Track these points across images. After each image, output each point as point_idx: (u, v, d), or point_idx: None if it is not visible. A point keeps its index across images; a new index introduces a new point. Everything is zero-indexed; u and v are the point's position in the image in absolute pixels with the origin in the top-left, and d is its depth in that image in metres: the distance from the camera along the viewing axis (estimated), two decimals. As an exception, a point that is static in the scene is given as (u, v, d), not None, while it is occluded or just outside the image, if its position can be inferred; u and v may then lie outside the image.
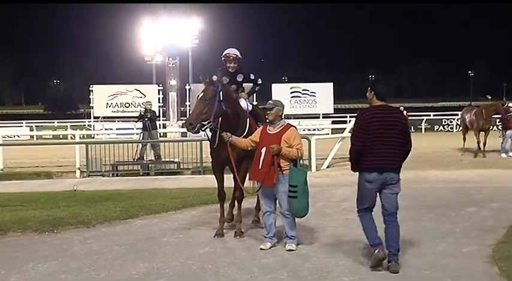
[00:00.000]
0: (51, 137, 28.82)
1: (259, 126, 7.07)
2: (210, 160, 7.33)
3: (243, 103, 7.11)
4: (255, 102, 9.71)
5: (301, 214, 6.19)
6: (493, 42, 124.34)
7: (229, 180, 7.10)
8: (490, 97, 20.65)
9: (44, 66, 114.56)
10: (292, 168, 6.06)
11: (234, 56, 7.26)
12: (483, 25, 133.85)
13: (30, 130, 33.51)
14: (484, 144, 15.93)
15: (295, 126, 6.39)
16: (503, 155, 15.85)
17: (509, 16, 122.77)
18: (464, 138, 17.07)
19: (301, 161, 6.19)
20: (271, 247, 6.29)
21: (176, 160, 14.46)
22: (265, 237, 6.38)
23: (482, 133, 16.08)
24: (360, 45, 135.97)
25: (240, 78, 7.34)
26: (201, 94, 6.61)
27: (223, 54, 7.33)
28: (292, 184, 6.01)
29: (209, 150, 7.22)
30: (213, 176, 7.21)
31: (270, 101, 6.43)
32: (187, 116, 6.66)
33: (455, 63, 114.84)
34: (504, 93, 76.64)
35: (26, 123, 37.06)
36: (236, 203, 7.13)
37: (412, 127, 33.63)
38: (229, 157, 6.65)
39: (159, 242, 6.73)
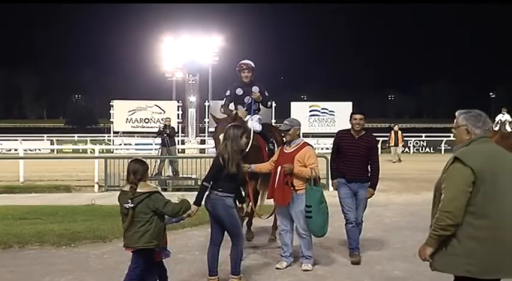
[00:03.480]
0: (71, 151, 29.10)
1: (269, 147, 7.02)
2: None
3: (250, 123, 6.91)
4: (273, 120, 9.69)
5: (319, 234, 6.12)
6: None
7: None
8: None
9: (66, 82, 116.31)
10: (307, 187, 6.02)
11: (248, 65, 7.25)
12: (504, 48, 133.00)
13: (51, 144, 33.88)
14: None
15: (311, 145, 6.34)
16: None
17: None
18: None
19: (318, 181, 6.12)
20: (287, 267, 6.25)
21: (194, 176, 14.49)
22: (282, 256, 6.35)
23: None
24: (380, 65, 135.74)
25: (255, 90, 7.24)
26: (222, 136, 6.18)
27: (237, 65, 7.35)
28: (307, 204, 5.97)
29: None
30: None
31: (285, 122, 6.32)
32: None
33: (476, 85, 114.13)
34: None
35: (47, 137, 37.49)
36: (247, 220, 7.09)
37: (432, 148, 33.45)
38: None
39: (175, 258, 6.69)
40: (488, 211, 3.34)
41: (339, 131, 6.94)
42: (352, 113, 6.64)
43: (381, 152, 31.11)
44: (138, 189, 4.75)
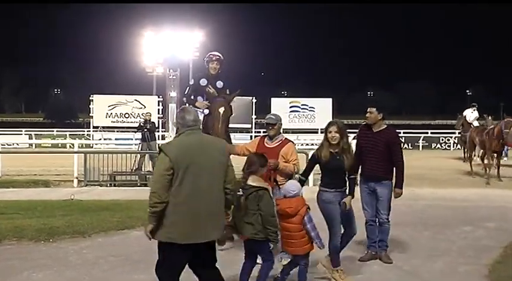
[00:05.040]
0: (50, 145, 28.76)
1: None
2: None
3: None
4: (254, 116, 9.70)
5: None
6: (490, 64, 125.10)
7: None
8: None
9: (45, 76, 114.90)
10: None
11: (218, 56, 7.26)
12: (482, 47, 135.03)
13: (29, 138, 33.46)
14: (498, 167, 14.96)
15: (292, 142, 6.37)
16: None
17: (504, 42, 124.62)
18: (471, 160, 16.44)
19: (297, 176, 6.16)
20: (266, 261, 6.27)
21: (174, 171, 14.45)
22: (261, 251, 6.37)
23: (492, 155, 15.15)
24: (361, 62, 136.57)
25: (219, 85, 7.22)
26: (222, 109, 6.44)
27: (207, 55, 7.36)
28: None
29: None
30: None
31: (271, 116, 6.33)
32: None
33: (456, 84, 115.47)
34: (501, 113, 76.70)
35: (25, 131, 37.02)
36: None
37: (410, 144, 33.75)
38: None
39: (155, 253, 6.69)
40: (183, 190, 4.12)
41: (361, 125, 6.76)
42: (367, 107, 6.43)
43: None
44: (249, 181, 4.92)
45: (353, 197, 5.64)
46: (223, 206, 4.39)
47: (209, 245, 4.36)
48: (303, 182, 5.70)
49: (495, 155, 15.18)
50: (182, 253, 4.22)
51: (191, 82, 7.44)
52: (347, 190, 5.65)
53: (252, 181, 4.93)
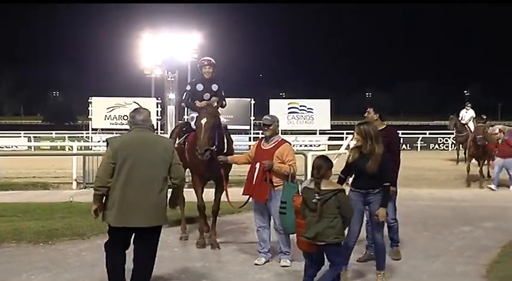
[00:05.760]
0: (48, 148, 28.76)
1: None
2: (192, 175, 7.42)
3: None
4: (252, 117, 9.76)
5: (291, 230, 6.02)
6: (489, 64, 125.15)
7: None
8: (485, 117, 20.22)
9: (43, 78, 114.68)
10: (284, 184, 6.05)
11: (210, 61, 7.53)
12: (482, 47, 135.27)
13: (28, 141, 33.44)
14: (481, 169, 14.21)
15: (289, 142, 6.41)
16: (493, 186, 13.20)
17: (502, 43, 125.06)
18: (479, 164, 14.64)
19: (295, 178, 6.17)
20: (265, 262, 6.30)
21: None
22: (260, 252, 6.39)
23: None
24: (360, 62, 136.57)
25: (214, 88, 7.48)
26: (204, 120, 6.63)
27: (199, 61, 7.69)
28: (282, 200, 5.95)
29: (192, 166, 7.21)
30: (209, 189, 7.31)
31: (267, 117, 6.41)
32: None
33: (454, 83, 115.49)
34: (499, 113, 76.84)
35: (24, 133, 37.01)
36: (212, 217, 7.20)
37: (408, 145, 33.75)
38: (216, 173, 6.81)
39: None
40: (120, 178, 4.68)
41: None
42: None
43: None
44: (322, 187, 4.95)
45: (385, 207, 5.51)
46: (163, 198, 4.83)
47: (152, 230, 4.85)
48: (342, 180, 5.66)
49: (475, 159, 14.41)
50: (117, 234, 4.81)
51: (188, 88, 7.63)
52: (377, 194, 5.49)
53: (326, 185, 4.95)
